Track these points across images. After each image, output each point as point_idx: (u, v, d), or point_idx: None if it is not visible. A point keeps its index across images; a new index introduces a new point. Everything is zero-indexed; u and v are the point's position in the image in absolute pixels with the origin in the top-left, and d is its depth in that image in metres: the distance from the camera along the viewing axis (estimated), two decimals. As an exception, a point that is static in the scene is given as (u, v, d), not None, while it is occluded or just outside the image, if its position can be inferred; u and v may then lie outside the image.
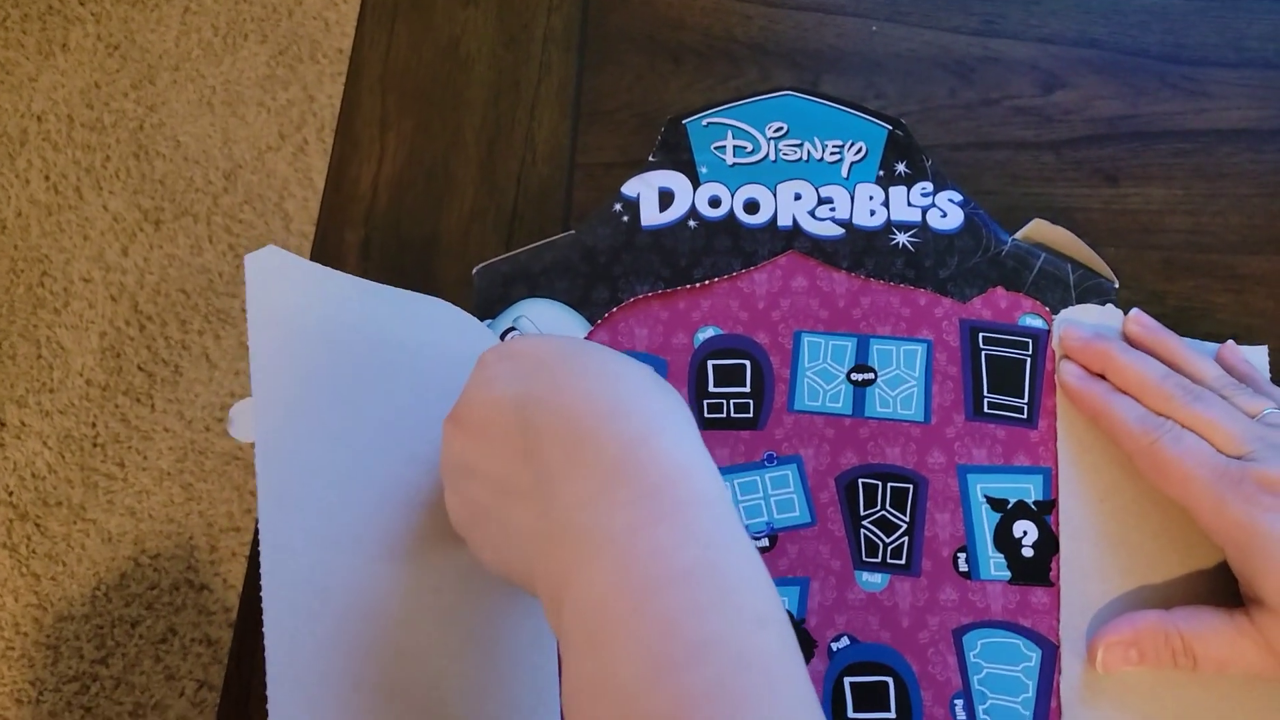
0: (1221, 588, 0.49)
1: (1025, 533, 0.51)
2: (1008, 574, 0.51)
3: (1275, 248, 0.58)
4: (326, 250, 0.62)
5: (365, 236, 0.62)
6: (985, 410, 0.53)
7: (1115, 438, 0.50)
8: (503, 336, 0.55)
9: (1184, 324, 0.56)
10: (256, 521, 0.47)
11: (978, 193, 0.59)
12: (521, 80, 0.65)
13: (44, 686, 1.09)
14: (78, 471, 1.17)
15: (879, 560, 0.51)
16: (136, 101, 1.30)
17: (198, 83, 1.31)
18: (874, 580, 0.51)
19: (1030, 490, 0.52)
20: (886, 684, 0.49)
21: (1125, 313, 0.54)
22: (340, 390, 0.49)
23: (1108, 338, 0.52)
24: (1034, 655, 0.49)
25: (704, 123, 0.59)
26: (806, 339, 0.55)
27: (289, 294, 0.51)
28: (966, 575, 0.51)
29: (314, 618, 0.46)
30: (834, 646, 0.50)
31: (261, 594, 0.46)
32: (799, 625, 0.50)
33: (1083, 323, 0.53)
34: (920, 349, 0.54)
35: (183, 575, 1.11)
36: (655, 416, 0.41)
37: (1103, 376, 0.52)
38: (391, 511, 0.48)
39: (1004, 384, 0.53)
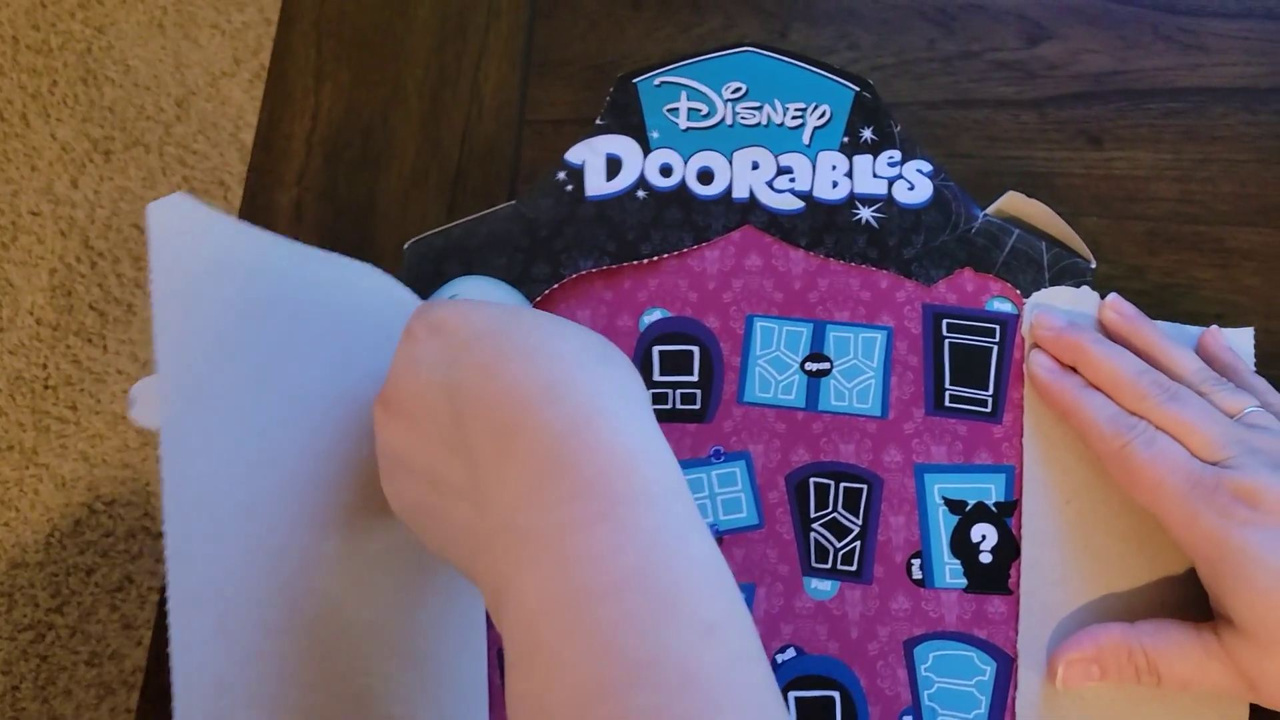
0: (1190, 597, 0.46)
1: (984, 537, 0.48)
2: (964, 581, 0.48)
3: (1266, 219, 0.54)
4: (255, 213, 0.58)
5: (297, 198, 0.58)
6: (947, 404, 0.50)
7: (1085, 438, 0.47)
8: (435, 318, 0.51)
9: (1165, 302, 0.53)
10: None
11: (952, 155, 0.55)
12: (468, 26, 0.61)
13: (-2, 635, 1.08)
14: (29, 415, 1.13)
15: (829, 566, 0.48)
16: (84, 22, 1.24)
17: (147, 1, 1.24)
18: (823, 588, 0.48)
19: (991, 490, 0.49)
20: (833, 699, 0.47)
21: (1101, 294, 0.50)
22: (259, 364, 0.45)
23: (1081, 328, 0.49)
24: (988, 669, 0.47)
25: (656, 82, 0.54)
26: (759, 324, 0.51)
27: (200, 252, 0.45)
28: (920, 583, 0.48)
29: (226, 630, 0.43)
30: (779, 659, 0.47)
31: (167, 601, 0.43)
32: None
33: (1056, 309, 0.50)
34: (880, 336, 0.51)
35: (138, 522, 1.09)
36: (596, 396, 0.37)
37: (1075, 370, 0.48)
38: (318, 501, 0.45)
39: (968, 375, 0.50)
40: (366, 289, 0.48)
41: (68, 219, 1.19)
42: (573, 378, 0.37)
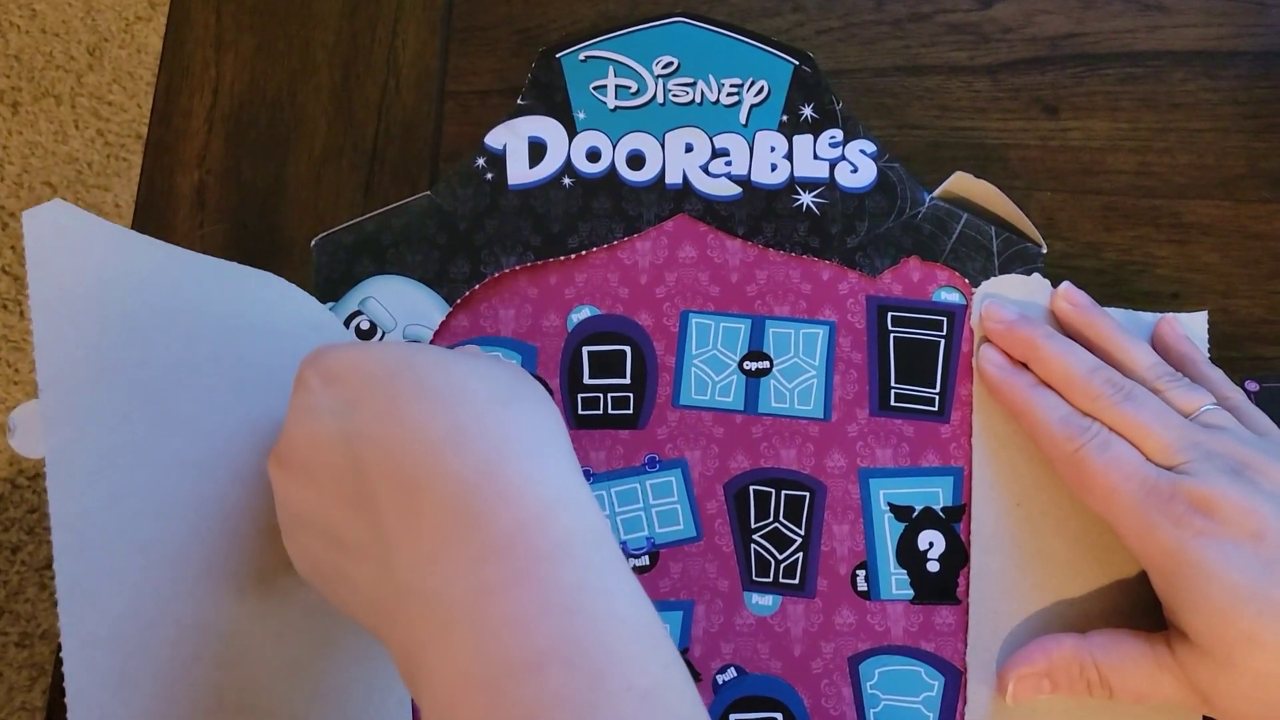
0: (1144, 601, 0.45)
1: (931, 544, 0.46)
2: (910, 593, 0.46)
3: (1224, 192, 0.52)
4: (154, 199, 0.54)
5: (199, 182, 0.54)
6: (892, 403, 0.47)
7: (1036, 440, 0.45)
8: (347, 323, 0.48)
9: (1122, 281, 0.50)
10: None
11: (902, 127, 0.52)
12: (382, -14, 0.56)
13: (-78, 617, 1.04)
14: (-56, 385, 1.09)
15: (770, 580, 0.46)
16: (-15, -36, 1.16)
17: (53, -57, 1.17)
18: (764, 603, 0.46)
19: (939, 495, 0.46)
20: (776, 720, 0.45)
21: (1057, 274, 0.48)
22: (152, 390, 0.41)
23: (1033, 322, 0.46)
24: (936, 684, 0.45)
25: (581, 57, 0.50)
26: (695, 320, 0.48)
27: (83, 264, 0.41)
28: (865, 595, 0.46)
29: (126, 678, 0.40)
30: (720, 679, 0.45)
31: (62, 648, 0.40)
32: (681, 654, 0.45)
33: (1006, 300, 0.47)
34: (822, 332, 0.48)
35: (64, 495, 1.05)
36: (506, 439, 0.35)
37: (1026, 366, 0.46)
38: (222, 534, 0.41)
39: (914, 371, 0.47)
40: (269, 301, 0.44)
41: (-25, 177, 1.13)
42: (480, 419, 0.35)
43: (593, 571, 0.33)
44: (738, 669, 0.45)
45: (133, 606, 0.39)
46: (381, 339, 0.47)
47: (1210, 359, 0.47)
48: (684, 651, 0.45)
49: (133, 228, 0.53)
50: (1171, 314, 0.48)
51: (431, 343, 0.48)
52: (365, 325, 0.48)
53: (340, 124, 0.54)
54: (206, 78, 0.56)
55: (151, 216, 0.53)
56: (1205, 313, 0.48)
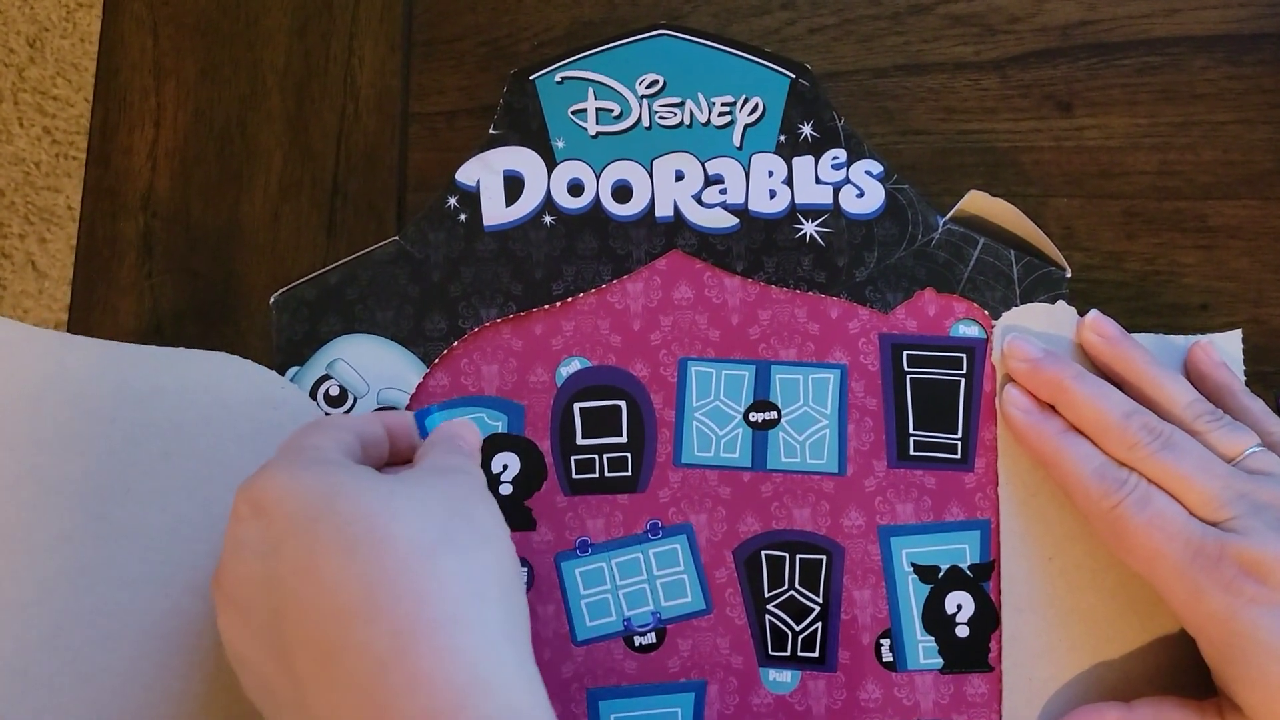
0: (1188, 660, 0.42)
1: (960, 606, 0.43)
2: (939, 661, 0.42)
3: (1252, 190, 0.48)
4: (95, 249, 0.49)
5: (144, 227, 0.50)
6: (912, 453, 0.44)
7: (1069, 493, 0.41)
8: (315, 388, 0.44)
9: (1145, 294, 0.47)
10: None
11: (906, 133, 0.48)
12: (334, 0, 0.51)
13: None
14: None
15: (788, 653, 0.43)
16: (-89, -48, 1.09)
17: (-16, -73, 1.10)
18: (782, 679, 0.42)
19: (966, 552, 0.43)
20: (800, 809, 0.42)
21: (1077, 288, 0.45)
22: (96, 504, 0.38)
23: (1060, 360, 0.42)
24: (971, 760, 0.42)
25: (558, 79, 0.46)
26: (694, 368, 0.44)
27: (14, 381, 0.38)
28: (891, 666, 0.43)
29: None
30: (737, 766, 0.42)
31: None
32: (695, 740, 0.42)
33: (1030, 335, 0.44)
34: (832, 377, 0.44)
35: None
36: (426, 601, 0.32)
37: (1054, 409, 0.42)
38: (171, 662, 0.38)
39: (934, 416, 0.44)
40: (222, 384, 0.40)
41: (-84, 183, 1.07)
42: (399, 578, 0.32)
43: None
44: (757, 753, 0.42)
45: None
46: (353, 406, 0.43)
47: (1246, 375, 0.44)
48: (698, 737, 0.42)
49: (73, 281, 0.49)
50: (1205, 337, 0.45)
51: (409, 407, 0.44)
52: (335, 391, 0.44)
53: (296, 155, 0.50)
54: (146, 108, 0.51)
55: (94, 268, 0.49)
56: (1239, 331, 0.45)
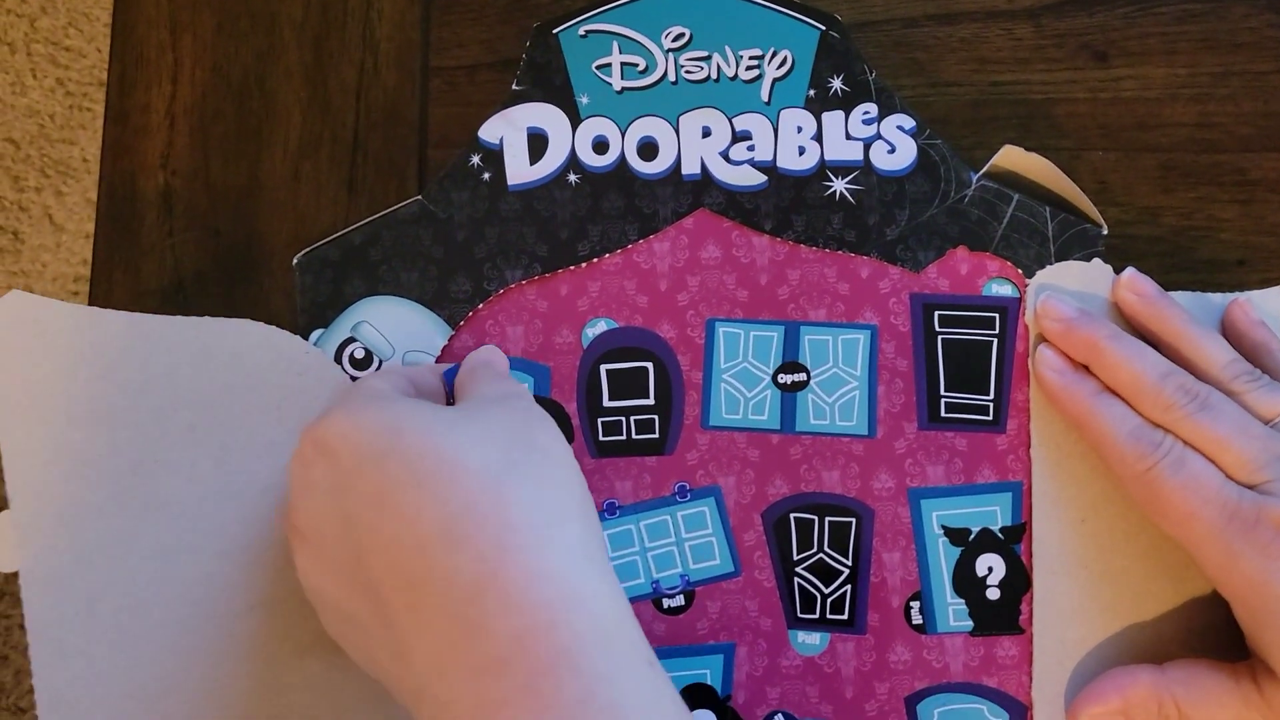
0: (1223, 622, 0.41)
1: (990, 569, 0.42)
2: (969, 624, 0.42)
3: (1293, 143, 0.47)
4: (115, 209, 0.49)
5: (164, 185, 0.49)
6: (943, 414, 0.43)
7: (1103, 455, 0.41)
8: (340, 351, 0.43)
9: (1181, 249, 0.46)
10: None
11: (937, 85, 0.47)
12: (351, -51, 0.50)
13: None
14: (-82, 362, 1.04)
15: (817, 616, 0.42)
16: (-81, -98, 1.08)
17: (-8, -127, 1.08)
18: (811, 641, 0.42)
19: (997, 514, 0.43)
20: (829, 770, 0.42)
21: (1112, 242, 0.44)
22: (127, 476, 0.39)
23: (1095, 319, 0.42)
24: (1001, 722, 0.42)
25: (581, 32, 0.45)
26: (722, 329, 0.44)
27: (42, 358, 0.39)
28: (921, 629, 0.42)
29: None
30: (766, 728, 0.42)
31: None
32: (724, 702, 0.42)
33: (1063, 294, 0.43)
34: (862, 338, 0.43)
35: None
36: (505, 528, 0.32)
37: (1088, 370, 0.42)
38: (206, 628, 0.38)
39: (965, 377, 0.43)
40: (247, 351, 0.40)
41: (-69, 136, 1.06)
42: (475, 506, 0.32)
43: (600, 681, 0.30)
44: (785, 715, 0.42)
45: (116, 711, 0.36)
46: (379, 368, 0.43)
47: (1283, 335, 0.43)
48: (726, 699, 0.42)
49: (95, 239, 0.48)
50: (1243, 295, 0.44)
51: (434, 368, 0.43)
52: (360, 354, 0.43)
53: (316, 111, 0.49)
54: (163, 64, 0.50)
55: (115, 228, 0.48)
56: (1278, 288, 0.44)
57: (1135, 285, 0.43)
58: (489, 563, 0.31)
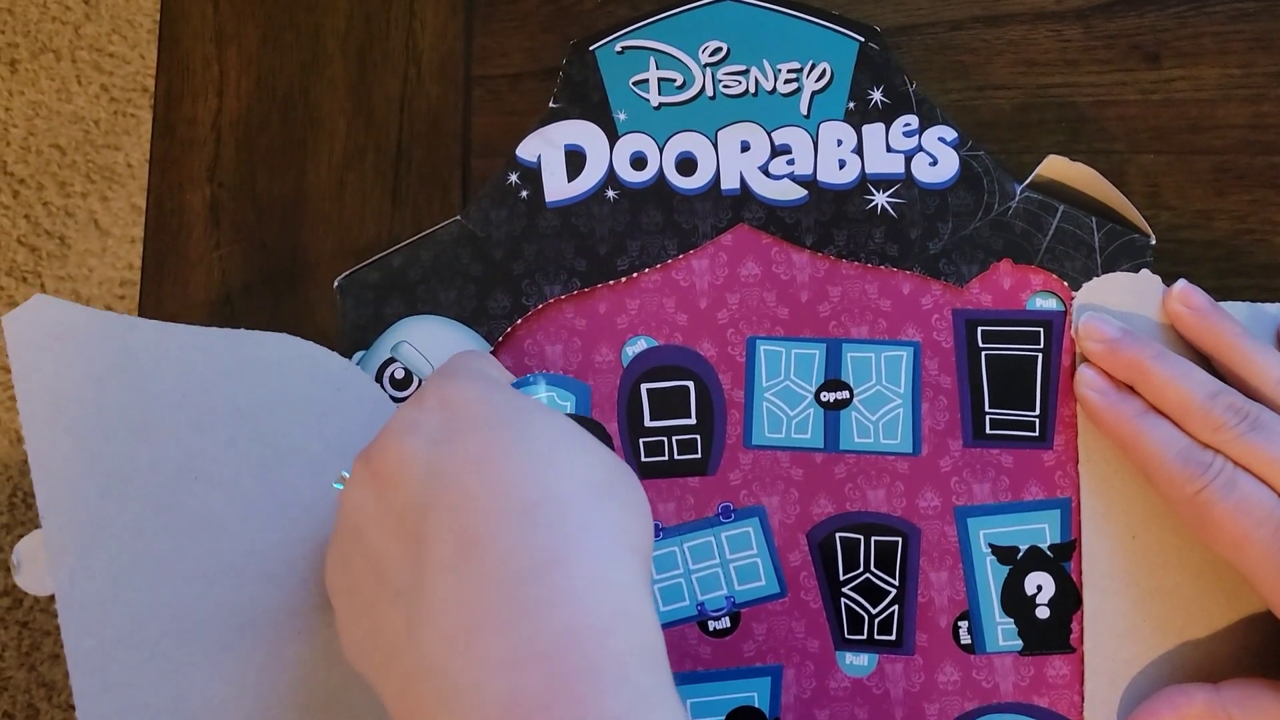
0: (1277, 640, 0.40)
1: (1040, 588, 0.42)
2: (1019, 643, 0.42)
3: (1350, 143, 0.46)
4: (164, 221, 0.49)
5: (211, 197, 0.49)
6: (988, 431, 0.43)
7: (1150, 477, 0.40)
8: (380, 371, 0.43)
9: (1236, 254, 0.45)
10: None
11: (984, 89, 0.47)
12: (392, -38, 0.50)
13: (-27, 605, 1.03)
14: (-30, 367, 1.06)
15: (864, 637, 0.42)
16: (-35, -87, 1.09)
17: (34, -118, 1.09)
18: (859, 663, 0.42)
19: (1045, 531, 0.42)
20: (877, 792, 0.41)
21: (1163, 251, 0.43)
22: (165, 493, 0.38)
23: (1139, 339, 0.41)
24: (1051, 743, 0.41)
25: (618, 48, 0.45)
26: (763, 347, 0.43)
27: (75, 366, 0.38)
28: (969, 649, 0.42)
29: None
30: (813, 750, 0.42)
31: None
32: (770, 725, 0.42)
33: (1105, 314, 0.42)
34: (905, 354, 0.43)
35: (105, 473, 1.02)
36: (583, 532, 0.31)
37: (1133, 389, 0.41)
38: (253, 653, 0.38)
39: (1010, 393, 0.43)
40: (286, 366, 0.40)
41: (-20, 143, 1.08)
42: (563, 504, 0.32)
43: (643, 702, 0.29)
44: (833, 737, 0.42)
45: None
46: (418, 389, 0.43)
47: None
48: (773, 721, 0.42)
49: (144, 254, 0.49)
50: (1299, 304, 0.43)
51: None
52: (399, 374, 0.43)
53: (360, 122, 0.49)
54: (209, 78, 0.50)
55: (163, 240, 0.49)
56: (1335, 296, 0.43)
57: (1187, 298, 0.42)
58: (558, 551, 0.31)
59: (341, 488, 0.35)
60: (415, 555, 0.32)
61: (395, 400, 0.43)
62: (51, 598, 0.37)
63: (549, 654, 0.29)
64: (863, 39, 0.44)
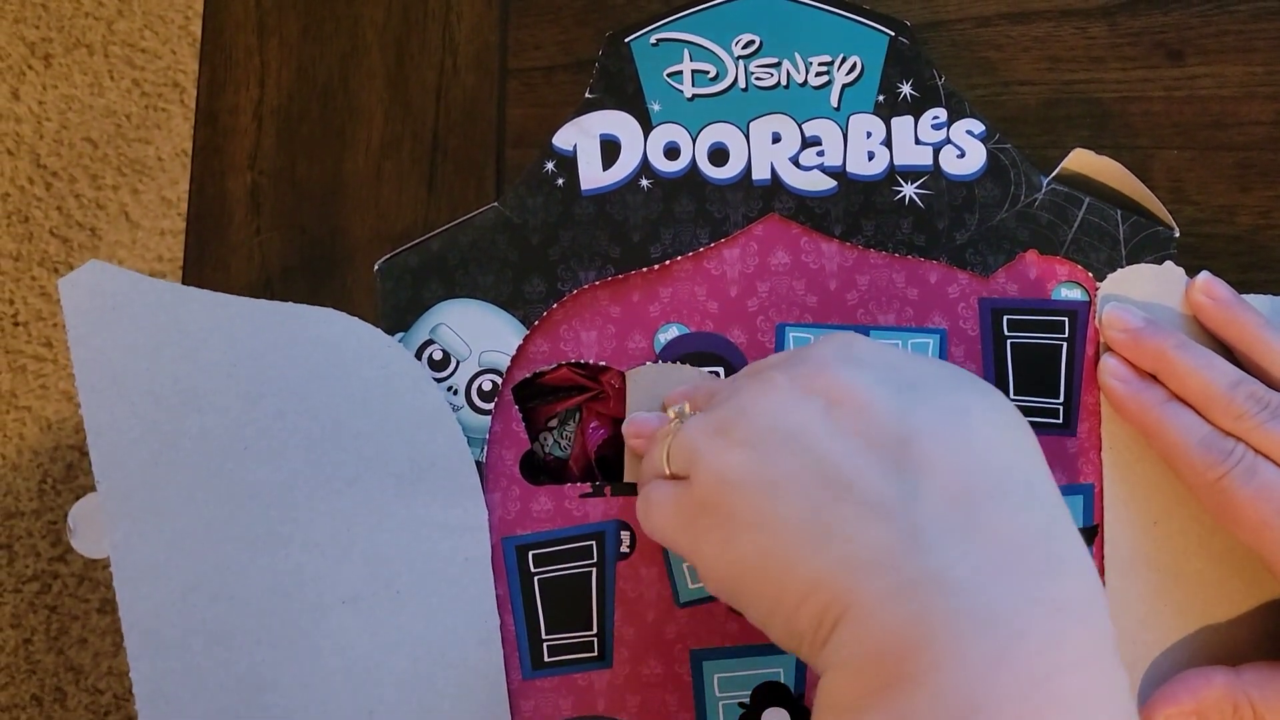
0: (1296, 625, 0.41)
1: (1062, 572, 0.42)
2: (1041, 626, 0.42)
3: (1372, 141, 0.47)
4: (205, 206, 0.51)
5: (252, 184, 0.51)
6: (1013, 418, 0.43)
7: (1172, 465, 0.41)
8: (420, 352, 0.44)
9: (1258, 248, 0.46)
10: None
11: (1010, 84, 0.47)
12: (430, -48, 0.52)
13: (3, 589, 1.04)
14: (1, 356, 1.07)
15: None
16: (2, -90, 1.11)
17: (70, -120, 1.11)
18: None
19: (1068, 517, 0.43)
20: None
21: (1186, 243, 0.44)
22: (216, 461, 0.39)
23: (1162, 329, 0.42)
24: (1071, 724, 0.42)
25: (653, 40, 0.46)
26: (792, 335, 0.44)
27: (129, 333, 0.39)
28: (992, 630, 0.43)
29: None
30: None
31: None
32: (798, 700, 0.43)
33: (1129, 304, 0.43)
34: (931, 342, 0.44)
35: (133, 461, 1.04)
36: (1060, 503, 0.33)
37: (1156, 379, 0.42)
38: (299, 620, 0.39)
39: (1035, 380, 0.43)
40: (332, 341, 0.41)
41: (13, 135, 1.09)
42: (1036, 473, 0.33)
43: (1119, 676, 0.31)
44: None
45: (215, 707, 0.37)
46: (455, 370, 0.44)
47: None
48: (799, 697, 0.43)
49: (186, 238, 0.50)
50: (1321, 297, 0.43)
51: (509, 370, 0.44)
52: (438, 355, 0.44)
53: (397, 111, 0.50)
54: (251, 68, 0.51)
55: (205, 226, 0.50)
56: (1358, 290, 0.44)
57: (1210, 289, 0.42)
58: (1058, 523, 0.32)
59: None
60: (898, 484, 0.32)
61: (436, 380, 0.44)
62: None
63: (1078, 602, 0.31)
64: (893, 33, 0.45)
